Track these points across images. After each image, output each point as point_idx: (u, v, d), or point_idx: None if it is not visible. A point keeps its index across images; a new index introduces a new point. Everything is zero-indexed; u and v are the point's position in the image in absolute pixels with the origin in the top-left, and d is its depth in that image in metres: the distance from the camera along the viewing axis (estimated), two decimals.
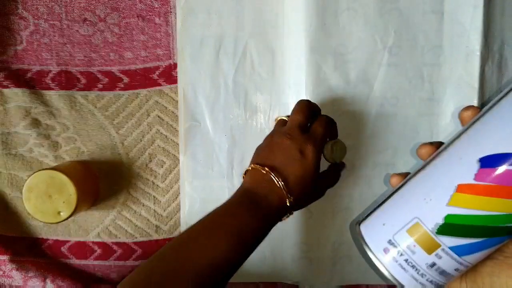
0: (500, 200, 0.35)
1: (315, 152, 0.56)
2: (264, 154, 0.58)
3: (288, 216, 0.57)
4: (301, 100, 0.61)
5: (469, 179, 0.36)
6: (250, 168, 0.57)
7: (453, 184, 0.37)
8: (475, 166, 0.36)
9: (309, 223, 0.73)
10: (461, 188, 0.36)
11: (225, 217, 0.53)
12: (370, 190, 0.73)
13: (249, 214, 0.52)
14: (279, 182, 0.54)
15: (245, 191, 0.56)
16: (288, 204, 0.54)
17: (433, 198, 0.38)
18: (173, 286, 0.46)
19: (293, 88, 0.71)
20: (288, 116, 0.62)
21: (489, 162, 0.35)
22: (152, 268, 0.48)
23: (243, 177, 0.58)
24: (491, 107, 0.38)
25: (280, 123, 0.62)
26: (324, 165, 0.62)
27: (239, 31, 0.72)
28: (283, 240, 0.74)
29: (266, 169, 0.55)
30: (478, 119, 0.39)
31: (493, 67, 0.70)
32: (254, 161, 0.59)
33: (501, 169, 0.35)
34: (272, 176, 0.54)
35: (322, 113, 0.63)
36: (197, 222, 0.53)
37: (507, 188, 0.35)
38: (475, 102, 0.69)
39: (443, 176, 0.38)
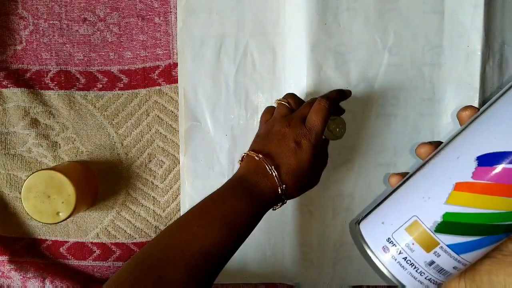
0: (497, 198, 0.35)
1: (311, 145, 0.56)
2: (261, 142, 0.58)
3: (281, 206, 0.57)
4: (313, 99, 0.60)
5: (467, 178, 0.36)
6: (245, 154, 0.58)
7: (451, 182, 0.37)
8: (473, 164, 0.36)
9: (310, 223, 0.73)
10: (459, 187, 0.36)
11: (217, 203, 0.53)
12: (371, 190, 0.73)
13: (240, 200, 0.52)
14: (272, 170, 0.54)
15: (239, 177, 0.56)
16: (279, 192, 0.54)
17: (432, 197, 0.38)
18: (165, 273, 0.46)
19: (294, 87, 0.70)
20: (288, 101, 0.62)
21: (486, 160, 0.36)
22: (145, 255, 0.49)
23: (240, 163, 0.59)
24: (488, 107, 0.39)
25: (281, 109, 0.61)
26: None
27: (240, 31, 0.72)
28: (283, 241, 0.74)
29: (260, 155, 0.55)
30: (475, 118, 0.39)
31: (493, 67, 0.70)
32: (251, 147, 0.59)
33: (499, 167, 0.35)
34: (265, 163, 0.54)
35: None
36: (191, 209, 0.53)
37: (504, 186, 0.35)
38: (476, 102, 0.69)
39: (441, 174, 0.38)
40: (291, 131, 0.56)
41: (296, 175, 0.55)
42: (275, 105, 0.64)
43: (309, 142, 0.56)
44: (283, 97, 0.63)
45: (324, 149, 0.66)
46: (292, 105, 0.62)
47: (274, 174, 0.54)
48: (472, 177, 0.36)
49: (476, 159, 0.36)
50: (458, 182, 0.37)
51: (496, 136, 0.36)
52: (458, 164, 0.37)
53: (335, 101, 0.62)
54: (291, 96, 0.63)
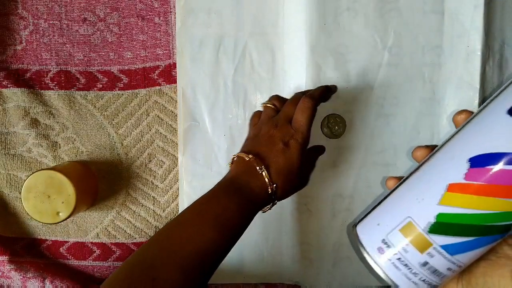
0: (489, 199, 0.36)
1: (298, 145, 0.56)
2: (250, 144, 0.60)
3: (271, 207, 0.57)
4: (296, 95, 0.62)
5: (460, 179, 0.37)
6: (235, 156, 0.58)
7: (444, 183, 0.37)
8: (465, 166, 0.37)
9: (309, 223, 0.73)
10: (452, 188, 0.37)
11: (210, 204, 0.54)
12: (370, 191, 0.72)
13: (232, 200, 0.53)
14: (262, 169, 0.55)
15: (230, 178, 0.57)
16: (270, 191, 0.55)
17: (425, 198, 0.39)
18: (160, 274, 0.46)
19: (293, 88, 0.70)
20: (273, 103, 0.63)
21: (478, 162, 0.36)
22: (140, 256, 0.49)
23: (230, 165, 0.59)
24: (481, 110, 0.39)
25: (268, 111, 0.63)
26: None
27: (239, 31, 0.72)
28: (283, 241, 0.74)
29: (250, 156, 0.56)
30: (469, 121, 0.40)
31: (493, 67, 0.70)
32: (241, 149, 0.60)
33: (490, 168, 0.35)
34: (255, 163, 0.55)
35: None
36: (184, 209, 0.53)
37: (496, 187, 0.35)
38: (476, 102, 0.69)
39: (435, 176, 0.39)
40: (278, 133, 0.57)
41: (286, 174, 0.56)
42: (261, 108, 0.64)
43: (297, 142, 0.56)
44: (268, 100, 0.65)
45: (312, 153, 0.67)
46: (278, 106, 0.63)
47: (264, 173, 0.55)
48: (464, 178, 0.36)
49: (469, 161, 0.36)
50: (451, 183, 0.37)
51: (488, 137, 0.36)
52: (451, 166, 0.38)
53: (320, 98, 0.63)
54: (276, 98, 0.65)
